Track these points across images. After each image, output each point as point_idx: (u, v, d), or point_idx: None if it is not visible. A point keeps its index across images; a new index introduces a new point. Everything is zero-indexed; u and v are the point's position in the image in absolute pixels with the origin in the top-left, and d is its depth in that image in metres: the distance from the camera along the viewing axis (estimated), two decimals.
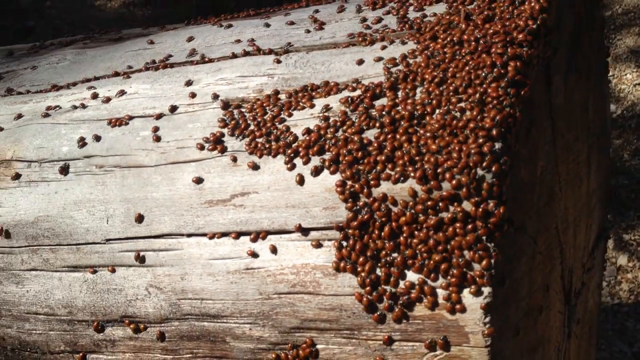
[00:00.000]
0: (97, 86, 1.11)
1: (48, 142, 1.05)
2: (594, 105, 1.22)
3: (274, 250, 0.87)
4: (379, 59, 0.93)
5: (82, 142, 1.03)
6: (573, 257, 1.15)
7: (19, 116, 1.12)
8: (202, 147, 0.94)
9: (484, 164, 0.76)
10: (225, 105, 0.97)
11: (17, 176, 1.05)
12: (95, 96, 1.09)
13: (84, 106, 1.08)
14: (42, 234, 1.02)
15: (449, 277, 0.77)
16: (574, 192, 1.13)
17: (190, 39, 1.18)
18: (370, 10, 1.07)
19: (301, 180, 0.86)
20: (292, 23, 1.11)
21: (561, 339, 1.10)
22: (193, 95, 1.01)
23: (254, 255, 0.87)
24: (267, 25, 1.13)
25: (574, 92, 1.07)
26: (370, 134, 0.85)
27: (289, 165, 0.87)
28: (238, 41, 1.12)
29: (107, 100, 1.07)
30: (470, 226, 0.76)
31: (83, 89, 1.12)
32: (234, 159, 0.91)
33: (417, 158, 0.80)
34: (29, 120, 1.10)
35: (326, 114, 0.89)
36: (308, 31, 1.06)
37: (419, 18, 0.99)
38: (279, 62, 1.01)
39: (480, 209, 0.76)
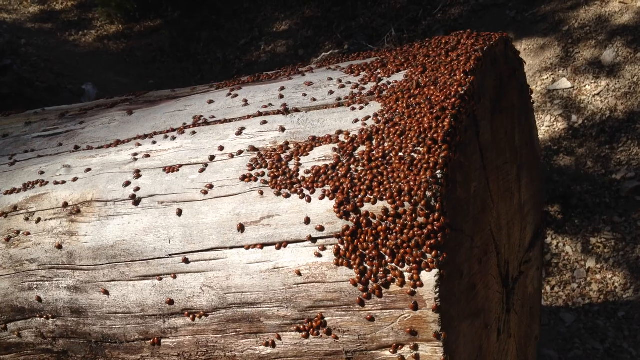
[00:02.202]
0: (148, 142, 1.57)
1: (119, 186, 1.50)
2: (520, 134, 1.69)
3: (292, 254, 1.33)
4: (358, 117, 1.40)
5: (145, 185, 1.48)
6: (508, 251, 1.62)
7: (90, 168, 1.57)
8: (237, 185, 1.40)
9: (430, 189, 1.23)
10: (254, 149, 1.43)
11: (97, 212, 1.50)
12: (149, 150, 1.54)
13: (142, 158, 1.53)
14: (119, 254, 1.46)
15: (411, 264, 1.23)
16: (506, 202, 1.60)
17: (210, 102, 1.64)
18: (350, 77, 1.54)
19: (309, 205, 1.32)
20: (283, 88, 1.58)
21: (501, 312, 1.57)
22: (225, 147, 1.47)
23: (282, 258, 1.33)
24: (272, 90, 1.60)
25: (500, 128, 1.55)
26: (355, 171, 1.31)
27: (300, 195, 1.33)
28: (252, 100, 1.58)
29: (159, 152, 1.53)
30: (423, 230, 1.23)
31: (138, 145, 1.57)
32: (261, 193, 1.37)
33: (387, 186, 1.26)
34: (100, 170, 1.55)
35: (324, 158, 1.35)
36: (304, 95, 1.53)
37: (385, 85, 1.46)
38: (286, 120, 1.47)
39: (430, 219, 1.22)
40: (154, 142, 1.56)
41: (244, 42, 6.62)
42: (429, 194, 1.22)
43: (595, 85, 4.39)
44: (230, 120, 1.54)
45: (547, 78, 4.61)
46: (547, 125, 4.34)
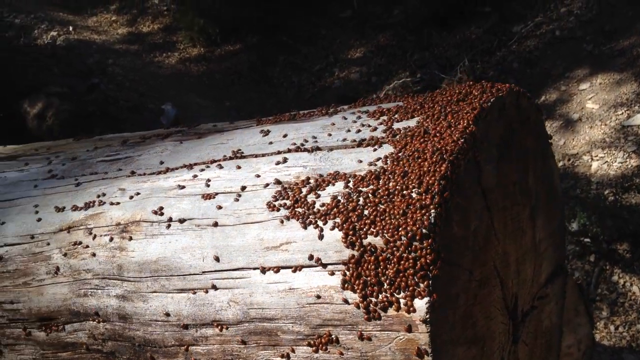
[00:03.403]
0: (192, 171, 1.82)
1: (164, 209, 1.75)
2: (534, 178, 1.85)
3: (306, 277, 1.54)
4: (371, 157, 1.60)
5: (185, 209, 1.72)
6: (517, 286, 1.77)
7: (140, 192, 1.83)
8: (262, 214, 1.62)
9: (424, 227, 1.41)
10: (279, 182, 1.65)
11: (144, 231, 1.76)
12: (191, 178, 1.79)
13: (185, 186, 1.78)
14: (160, 269, 1.71)
15: (406, 291, 1.42)
16: (516, 241, 1.76)
17: (249, 137, 1.88)
18: (370, 120, 1.75)
19: (321, 234, 1.53)
20: (312, 127, 1.80)
21: (505, 341, 1.72)
22: (255, 179, 1.70)
23: (297, 280, 1.54)
24: (303, 129, 1.82)
25: (510, 172, 1.71)
26: (362, 206, 1.51)
27: (314, 225, 1.54)
28: (284, 137, 1.81)
29: (200, 181, 1.78)
30: (417, 262, 1.41)
31: (183, 173, 1.83)
32: (282, 221, 1.59)
33: (388, 222, 1.46)
34: (149, 194, 1.81)
35: (337, 193, 1.56)
36: (329, 135, 1.75)
37: (399, 129, 1.66)
38: (310, 157, 1.69)
39: (422, 252, 1.41)
40: (197, 171, 1.80)
41: (318, 68, 6.91)
42: (423, 230, 1.41)
43: None
44: (263, 155, 1.77)
45: (622, 113, 4.66)
46: (620, 161, 4.38)
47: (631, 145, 4.42)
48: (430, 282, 1.41)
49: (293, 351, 1.57)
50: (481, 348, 1.60)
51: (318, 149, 1.71)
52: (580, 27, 5.70)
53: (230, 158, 1.81)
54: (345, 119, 1.80)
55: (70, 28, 7.52)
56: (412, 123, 1.67)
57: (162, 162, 1.93)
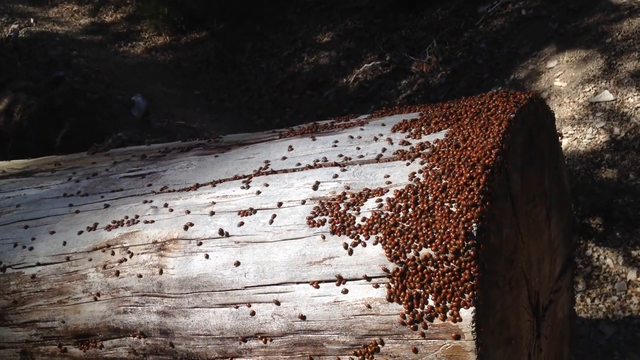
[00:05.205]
0: (223, 187, 1.86)
1: (200, 226, 1.80)
2: (549, 178, 1.94)
3: (350, 290, 1.61)
4: (406, 172, 1.67)
5: (223, 227, 1.77)
6: (538, 284, 1.88)
7: (174, 209, 1.87)
8: (302, 230, 1.68)
9: (467, 239, 1.50)
10: (315, 198, 1.71)
11: (182, 249, 1.80)
12: (224, 195, 1.84)
13: (218, 202, 1.83)
14: (202, 285, 1.76)
15: (452, 302, 1.51)
16: (536, 241, 1.86)
17: (275, 152, 1.94)
18: (397, 133, 1.82)
19: (364, 249, 1.60)
20: (337, 141, 1.86)
21: (531, 337, 1.83)
22: (290, 195, 1.76)
23: (341, 293, 1.61)
24: (329, 142, 1.88)
25: (530, 177, 1.80)
26: (403, 221, 1.58)
27: (356, 240, 1.61)
28: (311, 152, 1.87)
29: (233, 197, 1.82)
30: (462, 274, 1.50)
31: (215, 189, 1.87)
32: (323, 237, 1.65)
33: (430, 236, 1.53)
34: (182, 212, 1.85)
35: (376, 208, 1.63)
36: (358, 148, 1.81)
37: (428, 143, 1.73)
38: (342, 172, 1.75)
39: (467, 264, 1.49)
40: (229, 187, 1.85)
41: (287, 54, 6.92)
42: (466, 243, 1.49)
43: (638, 98, 4.51)
44: (294, 170, 1.83)
45: (590, 90, 4.78)
46: (589, 137, 4.50)
47: (599, 121, 4.55)
48: (474, 292, 1.49)
49: None
50: (514, 347, 1.70)
51: (349, 163, 1.78)
52: (546, 5, 5.80)
53: (261, 174, 1.86)
54: (371, 131, 1.87)
55: (32, 20, 7.37)
56: (440, 136, 1.74)
57: (190, 178, 1.97)
